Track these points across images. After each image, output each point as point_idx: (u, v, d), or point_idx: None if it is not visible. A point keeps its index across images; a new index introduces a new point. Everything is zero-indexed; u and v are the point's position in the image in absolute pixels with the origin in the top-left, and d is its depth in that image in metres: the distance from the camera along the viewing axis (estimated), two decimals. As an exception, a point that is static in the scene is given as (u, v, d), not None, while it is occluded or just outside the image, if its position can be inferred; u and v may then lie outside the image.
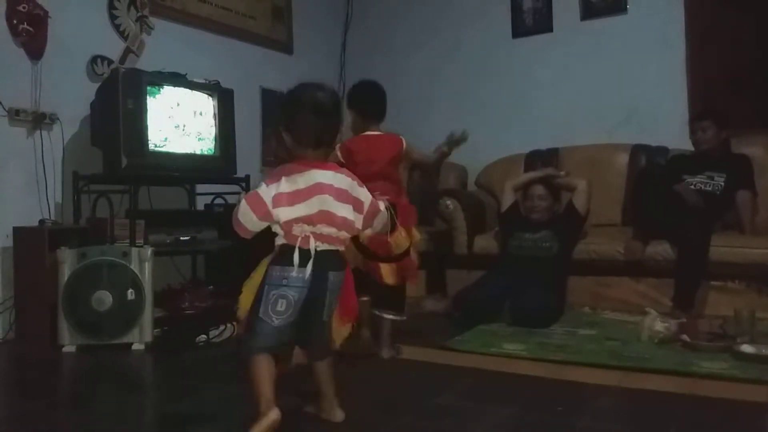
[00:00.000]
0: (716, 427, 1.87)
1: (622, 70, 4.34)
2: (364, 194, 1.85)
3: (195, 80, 3.50)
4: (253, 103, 4.63)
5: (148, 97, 3.21)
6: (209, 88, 3.56)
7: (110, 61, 3.63)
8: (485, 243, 3.84)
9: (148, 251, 2.97)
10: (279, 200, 1.71)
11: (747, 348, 2.49)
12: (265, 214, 1.72)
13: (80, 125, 3.49)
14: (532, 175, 3.77)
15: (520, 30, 4.78)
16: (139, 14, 3.82)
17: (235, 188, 3.62)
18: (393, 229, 2.35)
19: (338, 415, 1.88)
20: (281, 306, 1.72)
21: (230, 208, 3.72)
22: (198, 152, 3.49)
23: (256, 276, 1.79)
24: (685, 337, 2.68)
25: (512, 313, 3.17)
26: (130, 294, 2.90)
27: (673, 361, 2.44)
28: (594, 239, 3.59)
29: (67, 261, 2.88)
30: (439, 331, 3.05)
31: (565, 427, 1.87)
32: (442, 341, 2.82)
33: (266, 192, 1.72)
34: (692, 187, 3.45)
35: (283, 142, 1.84)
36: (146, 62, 3.70)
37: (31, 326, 3.05)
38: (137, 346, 2.90)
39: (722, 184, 3.47)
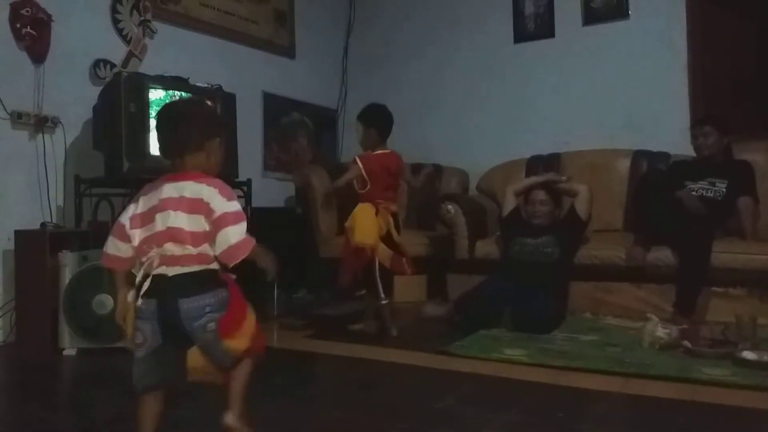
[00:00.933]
0: (717, 434, 1.87)
1: (623, 76, 4.34)
2: (220, 203, 1.56)
3: (197, 84, 3.51)
4: (255, 107, 4.64)
5: (150, 101, 3.22)
6: (211, 92, 3.57)
7: (113, 65, 3.64)
8: (486, 248, 3.83)
9: (150, 255, 2.96)
10: (134, 221, 1.59)
11: (748, 354, 2.48)
12: (123, 236, 1.59)
13: (82, 129, 3.50)
14: (533, 180, 3.77)
15: (521, 35, 4.79)
16: (142, 18, 3.83)
17: (237, 192, 3.61)
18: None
19: (228, 418, 1.70)
20: (139, 338, 1.58)
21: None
22: (200, 156, 3.49)
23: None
24: (686, 343, 2.67)
25: (513, 318, 3.16)
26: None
27: (674, 368, 2.44)
28: (595, 245, 3.58)
29: (69, 264, 2.89)
30: (439, 336, 3.05)
31: (566, 433, 1.87)
32: (443, 346, 2.82)
33: (124, 214, 1.62)
34: (694, 193, 3.45)
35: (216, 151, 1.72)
36: (149, 66, 3.71)
37: (32, 329, 3.05)
38: (138, 350, 2.89)
39: (724, 190, 3.47)
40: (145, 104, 3.18)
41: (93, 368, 2.75)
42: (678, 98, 4.17)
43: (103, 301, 2.87)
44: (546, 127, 4.57)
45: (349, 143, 5.33)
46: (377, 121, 3.27)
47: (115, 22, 3.72)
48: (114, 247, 1.61)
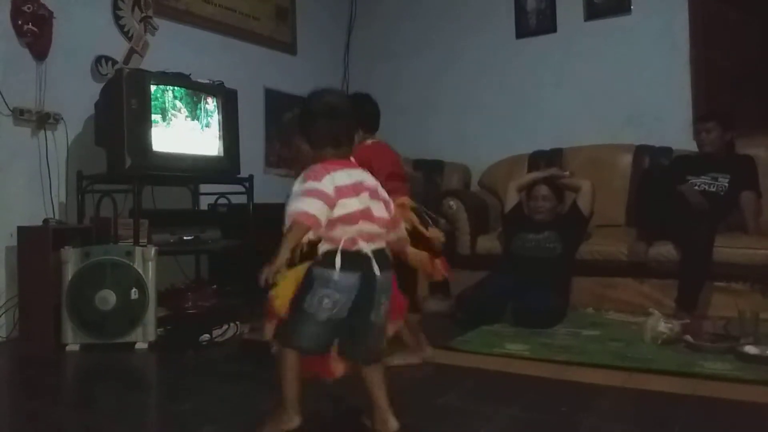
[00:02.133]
0: (720, 428, 1.87)
1: (625, 71, 4.34)
2: (386, 196, 1.81)
3: (199, 80, 3.51)
4: (256, 103, 4.64)
5: (152, 97, 3.22)
6: (213, 88, 3.56)
7: (114, 62, 3.64)
8: (488, 243, 3.84)
9: (152, 251, 2.97)
10: (339, 192, 1.65)
11: (750, 349, 2.49)
12: (330, 201, 1.63)
13: (84, 125, 3.50)
14: (535, 175, 3.76)
15: (523, 30, 4.78)
16: (143, 15, 3.83)
17: (239, 188, 3.62)
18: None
19: (390, 427, 1.75)
20: (327, 303, 1.66)
21: (234, 208, 3.79)
22: (202, 152, 3.49)
23: (293, 272, 1.67)
24: (688, 337, 2.67)
25: (515, 313, 3.16)
26: (134, 293, 2.91)
27: (676, 362, 2.44)
28: (598, 240, 3.58)
29: (71, 260, 2.90)
30: (442, 331, 3.05)
31: (569, 427, 1.87)
32: (445, 341, 2.82)
33: (324, 184, 1.64)
34: (696, 187, 3.45)
35: (302, 152, 1.81)
36: (150, 63, 3.71)
37: (34, 325, 3.06)
38: (140, 346, 2.90)
39: (726, 185, 3.46)
40: (147, 100, 3.18)
41: (96, 363, 2.76)
42: (680, 93, 4.16)
43: (106, 297, 2.88)
44: (548, 122, 4.56)
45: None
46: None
47: (117, 18, 3.72)
48: (318, 208, 1.61)
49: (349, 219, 1.66)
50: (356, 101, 2.79)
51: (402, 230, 1.84)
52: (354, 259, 1.66)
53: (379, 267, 1.69)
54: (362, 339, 1.74)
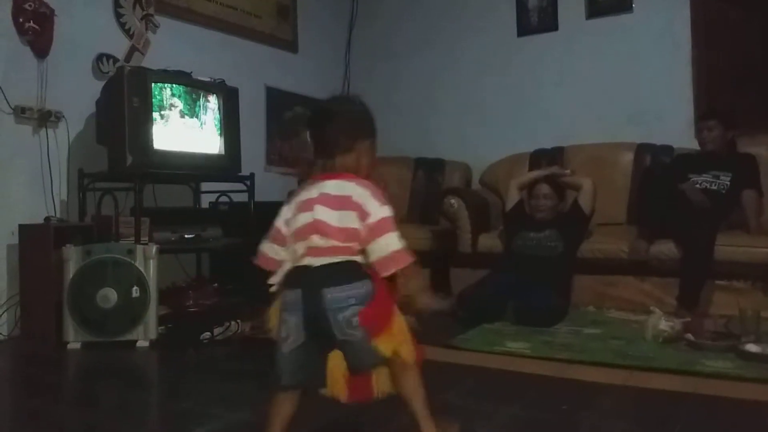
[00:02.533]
0: (721, 426, 1.87)
1: (627, 69, 4.33)
2: (375, 207, 1.55)
3: (200, 78, 3.51)
4: (258, 101, 4.64)
5: (153, 95, 3.22)
6: (214, 86, 3.57)
7: (116, 60, 3.64)
8: (489, 242, 3.83)
9: (153, 249, 2.98)
10: (288, 222, 1.60)
11: (752, 347, 2.49)
12: (280, 239, 1.59)
13: (86, 123, 3.50)
14: (536, 173, 3.76)
15: (525, 29, 4.78)
16: (145, 13, 3.83)
17: (240, 186, 3.62)
18: None
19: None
20: (284, 332, 1.55)
21: (235, 206, 3.79)
22: (203, 150, 3.50)
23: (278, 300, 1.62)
24: (689, 336, 2.67)
25: (516, 311, 3.16)
26: (135, 291, 2.91)
27: (677, 361, 2.44)
28: (599, 238, 3.58)
29: (73, 258, 2.90)
30: (443, 329, 3.04)
31: (570, 425, 1.87)
32: (446, 340, 2.82)
33: (278, 219, 1.63)
34: (697, 186, 3.45)
35: (368, 152, 1.69)
36: (151, 60, 3.71)
37: (36, 323, 3.06)
38: (142, 344, 2.91)
39: (728, 183, 3.46)
40: (148, 98, 3.18)
41: (97, 362, 2.76)
42: (681, 92, 4.16)
43: (107, 295, 2.88)
44: (549, 120, 4.56)
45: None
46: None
47: (118, 16, 3.71)
48: (272, 250, 1.60)
49: (300, 234, 1.56)
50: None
51: (382, 248, 1.55)
52: (298, 276, 1.55)
53: (326, 284, 1.51)
54: (348, 357, 1.58)
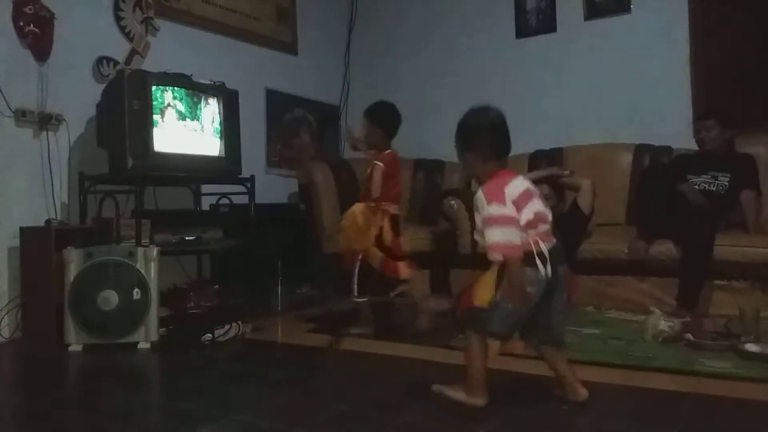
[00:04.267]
0: (720, 426, 1.88)
1: (625, 70, 4.35)
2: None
3: (200, 81, 3.51)
4: (257, 103, 4.65)
5: (153, 97, 3.23)
6: (214, 89, 3.57)
7: (116, 63, 3.65)
8: (489, 243, 3.83)
9: (154, 251, 2.99)
10: (518, 207, 1.91)
11: (751, 347, 2.50)
12: (518, 226, 1.89)
13: (86, 126, 3.51)
14: (536, 174, 3.76)
15: (523, 30, 4.80)
16: (145, 16, 3.84)
17: (241, 188, 3.63)
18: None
19: (581, 394, 1.98)
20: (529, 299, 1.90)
21: (235, 208, 3.80)
22: (203, 153, 3.51)
23: (490, 274, 1.98)
24: (689, 336, 2.68)
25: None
26: (136, 293, 2.92)
27: (677, 360, 2.45)
28: (598, 239, 3.59)
29: (74, 261, 2.90)
30: (443, 330, 3.06)
31: (570, 425, 1.88)
32: (446, 340, 2.82)
33: (505, 207, 1.90)
34: (696, 186, 3.46)
35: (468, 163, 2.09)
36: (151, 63, 3.72)
37: (37, 325, 3.07)
38: (143, 345, 2.92)
39: (726, 183, 3.47)
40: (149, 101, 3.19)
41: (98, 364, 2.76)
42: (680, 92, 4.17)
43: (108, 297, 2.89)
44: (548, 121, 4.57)
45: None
46: (384, 122, 3.22)
47: (118, 19, 3.73)
48: (515, 234, 1.88)
49: (532, 223, 1.92)
50: (389, 109, 3.26)
51: None
52: (543, 258, 1.91)
53: (560, 262, 1.96)
54: (544, 326, 2.01)
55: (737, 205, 3.43)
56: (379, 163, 3.12)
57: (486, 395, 1.93)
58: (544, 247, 1.91)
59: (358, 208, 3.13)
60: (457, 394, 1.95)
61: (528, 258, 1.89)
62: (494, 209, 1.90)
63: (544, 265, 1.90)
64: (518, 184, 1.97)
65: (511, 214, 1.89)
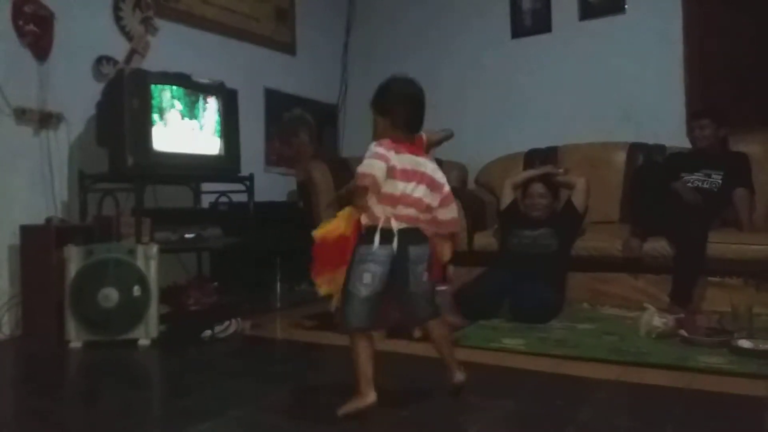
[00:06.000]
0: (714, 421, 1.90)
1: (620, 70, 4.37)
2: (441, 176, 2.03)
3: (199, 81, 3.53)
4: (256, 103, 4.67)
5: (152, 96, 3.25)
6: (213, 88, 3.59)
7: (115, 62, 3.67)
8: (485, 240, 3.87)
9: (154, 248, 3.01)
10: (393, 172, 1.88)
11: (744, 343, 2.52)
12: (388, 166, 1.87)
13: (86, 125, 3.53)
14: (531, 173, 3.80)
15: (519, 30, 4.82)
16: (144, 15, 3.86)
17: (240, 187, 3.65)
18: None
19: (457, 377, 2.03)
20: (367, 279, 1.86)
21: (235, 207, 3.82)
22: (202, 151, 3.52)
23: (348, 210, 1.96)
24: (683, 332, 2.71)
25: (512, 308, 3.20)
26: (136, 290, 2.94)
27: (671, 356, 2.47)
28: (592, 236, 3.62)
29: (74, 258, 2.92)
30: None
31: (565, 420, 1.89)
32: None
33: (385, 152, 1.88)
34: (690, 184, 3.48)
35: (378, 126, 2.02)
36: (151, 63, 3.74)
37: (38, 323, 3.09)
38: (143, 342, 2.94)
39: (720, 181, 3.50)
40: (148, 100, 3.21)
41: (99, 360, 2.78)
42: (674, 91, 4.20)
43: (108, 294, 2.91)
44: (543, 120, 4.60)
45: (350, 138, 5.37)
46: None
47: (118, 19, 3.74)
48: (379, 167, 1.86)
49: (399, 200, 1.89)
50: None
51: (450, 213, 2.04)
52: (391, 235, 1.87)
53: (411, 242, 1.90)
54: (406, 305, 1.99)
55: (730, 203, 3.45)
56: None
57: (374, 391, 1.90)
58: (395, 225, 1.88)
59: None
60: (352, 404, 1.89)
61: (369, 231, 1.88)
62: (373, 148, 1.90)
63: (390, 242, 1.86)
64: (413, 160, 1.95)
65: (383, 153, 1.88)
